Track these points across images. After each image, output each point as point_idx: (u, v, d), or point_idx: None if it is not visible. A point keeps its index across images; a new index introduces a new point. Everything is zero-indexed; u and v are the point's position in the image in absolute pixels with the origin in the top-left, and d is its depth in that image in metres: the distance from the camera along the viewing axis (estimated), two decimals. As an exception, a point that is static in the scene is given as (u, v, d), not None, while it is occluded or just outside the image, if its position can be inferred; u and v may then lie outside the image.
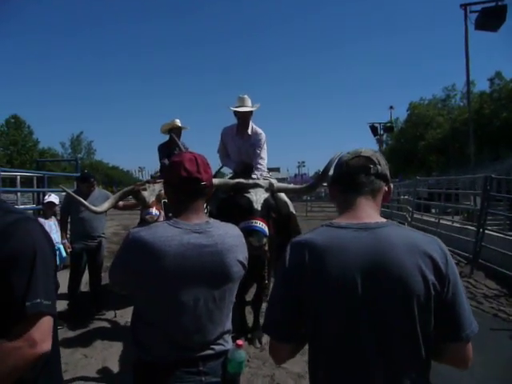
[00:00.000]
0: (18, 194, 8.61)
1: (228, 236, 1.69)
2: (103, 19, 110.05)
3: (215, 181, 4.14)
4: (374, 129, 29.52)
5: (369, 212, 1.39)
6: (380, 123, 30.05)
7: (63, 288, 5.30)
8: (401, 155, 44.67)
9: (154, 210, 4.79)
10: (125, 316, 5.33)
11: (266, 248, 3.52)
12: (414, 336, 1.26)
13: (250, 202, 3.64)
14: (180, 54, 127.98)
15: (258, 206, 3.62)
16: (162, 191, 5.01)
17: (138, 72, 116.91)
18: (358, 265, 1.27)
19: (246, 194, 3.71)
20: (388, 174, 1.48)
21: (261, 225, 3.51)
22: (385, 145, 48.94)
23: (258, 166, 5.15)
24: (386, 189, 1.48)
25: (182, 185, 1.67)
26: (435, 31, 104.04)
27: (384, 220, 1.38)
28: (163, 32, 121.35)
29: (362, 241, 1.30)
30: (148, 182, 5.09)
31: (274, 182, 4.29)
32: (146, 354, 1.60)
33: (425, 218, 12.60)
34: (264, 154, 5.23)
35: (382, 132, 31.20)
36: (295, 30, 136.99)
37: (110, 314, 5.42)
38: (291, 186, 4.51)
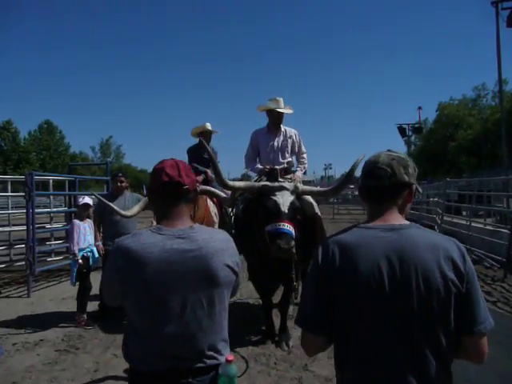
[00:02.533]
0: (51, 197, 8.91)
1: (213, 240, 1.66)
2: (136, 32, 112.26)
3: (242, 184, 4.20)
4: (401, 130, 29.05)
5: (394, 216, 1.51)
6: (408, 124, 29.54)
7: (95, 289, 5.46)
8: (430, 157, 43.71)
9: None
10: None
11: (294, 251, 3.53)
12: (434, 329, 1.36)
13: (277, 205, 3.67)
14: (214, 64, 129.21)
15: (285, 208, 3.66)
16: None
17: (167, 81, 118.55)
18: (385, 261, 1.39)
19: (273, 197, 3.74)
20: (407, 179, 1.54)
21: (288, 227, 3.54)
22: (413, 146, 48.11)
23: (301, 160, 5.36)
24: (407, 191, 1.55)
25: (164, 189, 1.68)
26: (465, 29, 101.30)
27: (408, 222, 1.52)
28: (199, 43, 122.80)
29: (387, 240, 1.42)
30: None
31: (299, 184, 4.31)
32: (136, 364, 1.61)
33: (455, 220, 12.31)
34: (303, 148, 5.37)
35: (410, 133, 30.64)
36: (326, 40, 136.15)
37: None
38: (316, 188, 4.51)
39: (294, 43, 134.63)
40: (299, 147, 5.36)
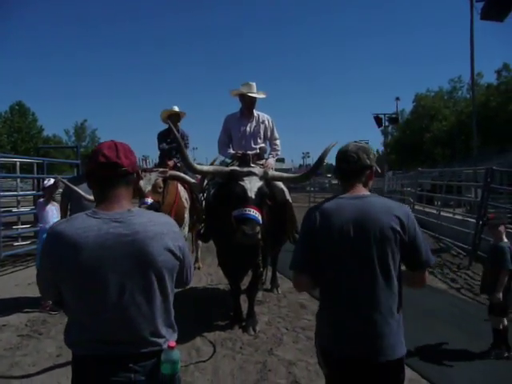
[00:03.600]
0: (18, 180, 8.64)
1: (152, 224, 1.63)
2: (111, 15, 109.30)
3: (210, 168, 4.15)
4: (378, 120, 29.27)
5: (359, 189, 2.06)
6: (385, 114, 29.78)
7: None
8: (406, 147, 44.43)
9: (149, 200, 4.79)
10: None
11: (260, 236, 3.52)
12: (387, 265, 1.88)
13: (244, 190, 3.65)
14: (189, 47, 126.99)
15: (251, 194, 3.63)
16: (159, 180, 5.01)
17: (142, 63, 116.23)
18: (351, 220, 1.92)
19: (241, 182, 3.71)
20: (369, 162, 2.09)
21: (254, 213, 3.53)
22: (390, 136, 48.67)
23: (274, 146, 5.32)
24: (369, 172, 2.11)
25: (101, 171, 1.63)
26: (442, 22, 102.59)
27: (369, 193, 2.08)
28: (166, 24, 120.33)
29: (355, 204, 1.96)
30: (144, 170, 5.08)
31: (269, 170, 4.30)
32: (77, 350, 1.58)
33: (426, 209, 12.57)
34: (277, 134, 5.34)
35: (386, 123, 30.96)
36: (300, 26, 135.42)
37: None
38: (286, 174, 4.49)
39: (271, 28, 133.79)
40: (272, 133, 5.33)
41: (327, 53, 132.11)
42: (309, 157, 76.37)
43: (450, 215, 10.64)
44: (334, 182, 45.06)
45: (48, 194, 5.26)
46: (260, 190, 3.71)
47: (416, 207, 12.37)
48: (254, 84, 5.05)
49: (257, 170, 3.92)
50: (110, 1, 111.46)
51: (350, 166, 2.06)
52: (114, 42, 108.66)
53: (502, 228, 4.10)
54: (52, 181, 5.30)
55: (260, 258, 3.97)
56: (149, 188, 4.88)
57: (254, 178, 3.77)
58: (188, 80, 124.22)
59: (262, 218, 3.65)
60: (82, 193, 4.68)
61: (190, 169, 4.03)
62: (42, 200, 5.23)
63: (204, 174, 4.22)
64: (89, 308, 1.54)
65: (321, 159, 3.84)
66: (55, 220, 5.17)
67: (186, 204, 6.04)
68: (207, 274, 6.96)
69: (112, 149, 1.65)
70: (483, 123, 29.27)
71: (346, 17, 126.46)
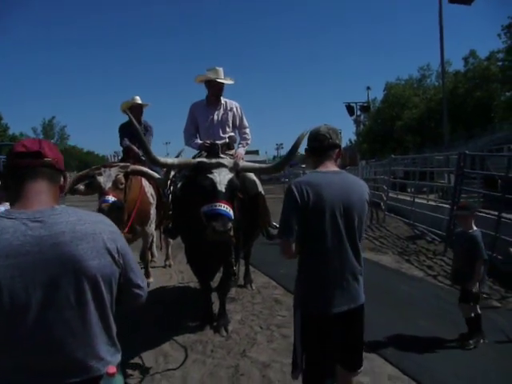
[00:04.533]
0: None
1: (81, 223, 1.37)
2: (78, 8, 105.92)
3: (175, 160, 3.86)
4: (350, 109, 29.34)
5: (331, 165, 2.38)
6: (356, 103, 29.88)
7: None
8: (378, 135, 44.91)
9: (110, 197, 4.45)
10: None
11: (232, 233, 3.23)
12: (360, 231, 2.32)
13: (213, 184, 3.34)
14: (156, 38, 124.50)
15: (221, 187, 3.33)
16: (120, 176, 4.66)
17: (112, 58, 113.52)
18: (340, 192, 2.23)
19: (209, 175, 3.40)
20: (338, 142, 2.42)
21: (225, 208, 3.22)
22: (362, 126, 49.07)
23: (243, 136, 5.02)
24: (338, 150, 2.43)
25: (19, 159, 1.39)
26: (411, 9, 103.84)
27: (339, 169, 2.42)
28: (136, 16, 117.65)
29: (337, 178, 2.29)
30: (104, 166, 4.73)
31: (240, 161, 4.01)
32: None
33: (400, 197, 12.57)
34: (245, 122, 5.06)
35: (358, 112, 31.08)
36: (273, 17, 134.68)
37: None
38: (258, 165, 4.21)
39: (244, 19, 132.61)
40: (241, 121, 5.04)
41: (299, 44, 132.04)
42: (282, 148, 76.32)
43: (424, 201, 10.62)
44: (308, 171, 45.33)
45: None
46: (230, 182, 3.40)
47: (390, 195, 12.35)
48: (220, 69, 4.74)
49: (226, 161, 3.60)
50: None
51: (323, 144, 2.36)
52: (83, 38, 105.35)
53: (470, 217, 3.94)
54: None
55: (232, 256, 3.67)
56: (109, 185, 4.54)
57: (224, 169, 3.46)
58: (161, 73, 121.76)
59: (234, 213, 3.38)
60: None
61: (152, 162, 3.72)
62: None
63: (169, 167, 3.91)
64: (4, 329, 1.26)
65: (294, 148, 3.58)
66: None
67: (152, 200, 5.72)
68: (178, 271, 6.65)
69: (35, 141, 1.44)
70: (452, 110, 29.77)
71: (317, 7, 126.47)
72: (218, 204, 3.22)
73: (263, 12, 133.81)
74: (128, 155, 6.20)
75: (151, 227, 5.70)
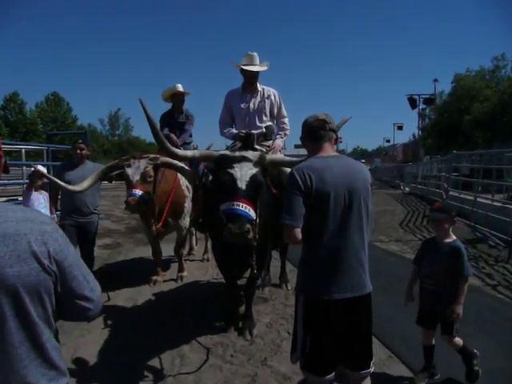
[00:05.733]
0: (24, 167, 8.42)
1: (2, 220, 1.14)
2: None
3: (196, 153, 3.60)
4: (412, 101, 27.80)
5: (331, 149, 2.39)
6: (419, 95, 28.23)
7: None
8: (444, 130, 42.33)
9: (136, 191, 4.33)
10: (115, 300, 4.97)
11: (251, 235, 2.88)
12: (366, 214, 2.29)
13: (232, 180, 3.02)
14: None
15: (242, 184, 2.99)
16: (149, 168, 4.52)
17: (172, 52, 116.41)
18: (342, 175, 2.23)
19: (230, 170, 3.08)
20: (335, 128, 2.45)
21: (244, 207, 2.88)
22: (428, 120, 46.55)
23: (281, 126, 4.74)
24: (335, 136, 2.44)
25: None
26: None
27: (338, 153, 2.45)
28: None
29: (338, 162, 2.30)
30: (134, 156, 4.61)
31: (267, 154, 3.66)
32: None
33: (462, 196, 11.60)
34: (284, 111, 4.77)
35: (421, 105, 29.34)
36: (340, 13, 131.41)
37: (106, 297, 5.05)
38: (288, 158, 3.83)
39: (310, 15, 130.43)
40: (279, 109, 4.73)
41: (367, 39, 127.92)
42: (341, 142, 74.37)
43: (489, 202, 9.67)
44: (368, 167, 43.92)
45: (30, 183, 4.87)
46: (253, 178, 3.06)
47: (450, 193, 11.45)
48: (254, 54, 4.48)
49: (251, 154, 3.25)
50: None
51: (324, 129, 2.37)
52: (142, 31, 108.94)
53: (448, 223, 3.10)
54: (39, 166, 4.91)
55: (254, 259, 3.35)
56: (137, 177, 4.42)
57: (247, 164, 3.12)
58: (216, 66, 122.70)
59: (258, 213, 3.05)
60: (63, 184, 4.27)
61: (169, 153, 3.50)
62: (25, 189, 4.85)
63: (188, 159, 3.68)
64: None
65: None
66: (43, 209, 4.80)
67: (188, 192, 5.57)
68: (215, 266, 6.41)
69: None
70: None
71: (380, 3, 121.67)
72: (236, 203, 2.88)
73: (332, 8, 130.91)
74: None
75: (185, 220, 5.55)
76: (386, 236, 9.07)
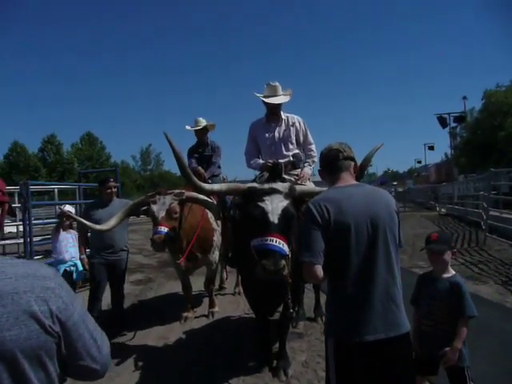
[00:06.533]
0: (56, 207, 8.58)
1: (1, 277, 1.05)
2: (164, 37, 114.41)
3: (223, 186, 3.51)
4: (442, 120, 27.13)
5: (351, 178, 2.29)
6: (449, 114, 27.61)
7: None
8: (477, 148, 41.16)
9: (162, 228, 4.27)
10: (146, 339, 4.85)
11: (286, 271, 2.71)
12: (395, 246, 2.14)
13: (264, 213, 2.88)
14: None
15: (274, 218, 2.85)
16: (174, 204, 4.47)
17: (203, 86, 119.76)
18: (363, 205, 2.10)
19: (260, 203, 2.95)
20: (352, 156, 2.34)
21: (278, 243, 2.73)
22: (459, 138, 45.50)
23: (309, 153, 4.62)
24: (354, 164, 2.34)
25: None
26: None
27: (357, 182, 2.35)
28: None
29: (358, 191, 2.19)
30: (159, 193, 4.57)
31: (297, 185, 3.49)
32: None
33: (505, 215, 11.04)
34: (310, 138, 4.66)
35: (451, 123, 28.63)
36: (371, 31, 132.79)
37: (138, 335, 4.94)
38: (318, 188, 3.64)
39: (325, 36, 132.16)
40: (305, 136, 4.62)
41: (392, 61, 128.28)
42: (371, 165, 73.51)
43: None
44: (400, 189, 43.05)
45: (58, 223, 4.90)
46: (285, 211, 2.91)
47: (492, 213, 10.91)
48: (276, 84, 4.43)
49: (280, 185, 3.13)
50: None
51: (338, 158, 2.28)
52: (166, 67, 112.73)
53: (447, 255, 2.75)
54: (67, 206, 4.95)
55: (289, 297, 3.15)
56: (162, 214, 4.37)
57: (278, 196, 3.00)
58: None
59: (291, 247, 2.88)
60: (89, 223, 4.28)
61: (195, 188, 3.43)
62: (54, 229, 4.88)
63: (215, 193, 3.59)
64: None
65: (365, 164, 3.10)
66: (71, 249, 4.81)
67: (216, 225, 5.47)
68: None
69: None
70: None
71: (406, 22, 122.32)
72: (269, 238, 2.73)
73: (354, 30, 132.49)
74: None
75: (214, 254, 5.44)
76: (425, 261, 8.60)
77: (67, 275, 4.75)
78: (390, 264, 2.09)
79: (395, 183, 69.06)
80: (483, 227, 10.45)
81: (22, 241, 6.51)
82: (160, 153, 66.75)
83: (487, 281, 6.81)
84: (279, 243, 2.73)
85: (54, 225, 7.18)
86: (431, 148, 39.79)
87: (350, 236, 2.04)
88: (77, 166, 50.23)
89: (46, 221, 8.69)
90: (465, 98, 36.83)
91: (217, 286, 6.89)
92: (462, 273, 7.31)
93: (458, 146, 41.76)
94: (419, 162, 55.95)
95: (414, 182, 54.40)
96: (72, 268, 4.79)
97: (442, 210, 20.39)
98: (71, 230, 5.00)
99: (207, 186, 3.44)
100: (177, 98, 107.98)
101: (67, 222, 4.92)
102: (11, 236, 8.50)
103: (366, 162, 3.13)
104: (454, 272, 2.80)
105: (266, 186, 3.13)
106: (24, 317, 1.05)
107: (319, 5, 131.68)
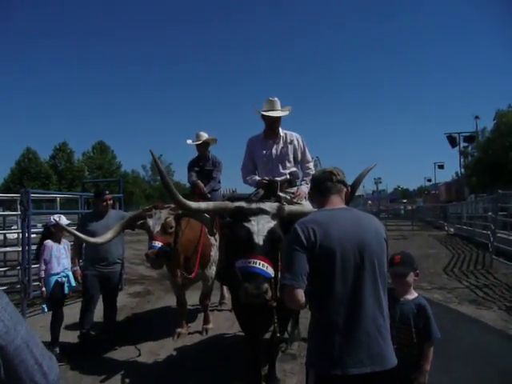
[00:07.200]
0: (51, 216, 8.57)
1: None
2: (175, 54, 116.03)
3: (210, 205, 3.39)
4: (452, 139, 27.01)
5: (339, 203, 2.23)
6: (459, 133, 27.42)
7: (75, 318, 4.91)
8: (488, 168, 40.74)
9: (157, 243, 4.24)
10: (136, 353, 4.77)
11: (269, 295, 2.64)
12: (383, 273, 2.07)
13: (249, 235, 2.82)
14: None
15: (259, 239, 2.79)
16: (170, 219, 4.43)
17: (215, 99, 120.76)
18: (351, 229, 2.04)
19: (246, 224, 2.89)
20: (345, 181, 2.32)
21: (261, 265, 2.66)
22: (470, 157, 45.10)
23: (307, 171, 4.54)
24: (345, 189, 2.32)
25: None
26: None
27: (346, 206, 2.28)
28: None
29: (346, 215, 2.14)
30: (156, 207, 4.55)
31: (285, 205, 3.37)
32: None
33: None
34: (308, 155, 4.60)
35: (461, 143, 28.43)
36: (379, 54, 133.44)
37: (128, 350, 4.86)
38: (309, 208, 3.52)
39: (338, 57, 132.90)
40: (303, 154, 4.56)
41: (400, 83, 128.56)
42: (381, 182, 72.78)
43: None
44: (409, 207, 42.68)
45: (57, 233, 4.85)
46: (271, 232, 2.84)
47: (499, 235, 10.71)
48: (275, 99, 4.40)
49: (268, 205, 3.05)
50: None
51: (331, 181, 2.25)
52: (182, 81, 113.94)
53: (410, 277, 2.69)
54: (63, 218, 4.90)
55: (276, 320, 3.08)
56: (157, 228, 4.34)
57: (265, 217, 2.92)
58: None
59: (277, 270, 2.80)
60: (84, 236, 4.25)
61: (179, 206, 3.38)
62: (48, 241, 4.82)
63: (202, 212, 3.51)
64: None
65: (356, 184, 3.02)
66: (64, 260, 4.76)
67: (214, 240, 5.41)
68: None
69: None
70: None
71: (422, 46, 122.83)
72: (252, 260, 2.67)
73: (367, 48, 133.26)
74: (194, 192, 6.05)
75: (211, 270, 5.37)
76: (429, 283, 8.46)
77: (58, 286, 4.67)
78: (377, 293, 2.00)
79: (405, 201, 68.39)
80: (490, 249, 10.25)
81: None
82: (170, 163, 67.02)
83: (491, 306, 6.62)
84: (263, 266, 2.67)
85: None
86: (441, 167, 39.60)
87: (335, 261, 1.96)
88: (87, 174, 50.68)
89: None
90: (477, 117, 36.68)
91: (217, 301, 6.82)
92: (465, 296, 7.17)
93: (468, 165, 41.31)
94: (429, 181, 55.73)
95: (423, 201, 53.95)
96: (64, 279, 4.71)
97: (451, 229, 20.13)
98: (64, 240, 4.95)
99: (193, 205, 3.36)
100: (187, 111, 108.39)
101: (59, 235, 4.85)
102: (13, 243, 8.50)
103: (357, 183, 3.06)
104: (416, 294, 2.73)
105: (254, 205, 3.05)
106: None
107: (329, 25, 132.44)
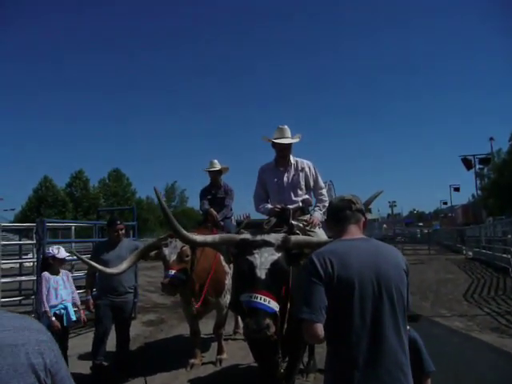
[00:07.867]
0: (73, 244, 8.67)
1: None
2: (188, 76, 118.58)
3: (216, 238, 3.34)
4: (467, 162, 26.71)
5: (358, 232, 2.17)
6: (474, 155, 27.17)
7: (88, 348, 4.86)
8: (505, 189, 40.14)
9: (171, 272, 4.23)
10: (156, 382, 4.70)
11: (272, 331, 2.59)
12: (403, 308, 1.98)
13: (251, 268, 2.77)
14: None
15: (261, 273, 2.73)
16: (186, 247, 4.43)
17: (230, 124, 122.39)
18: (370, 261, 1.98)
19: (249, 257, 2.84)
20: (363, 209, 2.25)
21: (263, 300, 2.60)
22: (486, 179, 44.57)
23: (319, 197, 4.52)
24: (364, 219, 2.24)
25: None
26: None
27: (365, 236, 2.20)
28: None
29: (365, 245, 2.08)
30: (171, 236, 4.54)
31: (292, 236, 3.27)
32: None
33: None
34: (321, 182, 4.58)
35: (476, 165, 28.12)
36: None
37: (141, 381, 4.78)
38: (316, 238, 3.43)
39: (353, 77, 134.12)
40: (315, 181, 4.53)
41: (415, 104, 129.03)
42: (395, 206, 72.18)
43: None
44: (426, 231, 41.98)
45: (57, 265, 4.80)
46: (275, 265, 2.78)
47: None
48: (285, 127, 4.42)
49: (273, 237, 2.99)
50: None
51: (350, 209, 2.18)
52: (194, 106, 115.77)
53: None
54: (62, 251, 4.84)
55: (279, 356, 2.99)
56: (173, 257, 4.35)
57: (268, 249, 2.87)
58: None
59: (282, 303, 2.76)
60: (100, 267, 4.24)
61: (183, 240, 3.39)
62: (45, 273, 4.72)
63: (209, 246, 3.50)
64: None
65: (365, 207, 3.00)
66: (62, 292, 4.68)
67: (229, 268, 5.37)
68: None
69: None
70: None
71: (433, 69, 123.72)
72: (254, 295, 2.62)
73: (381, 71, 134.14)
74: (207, 219, 6.05)
75: (226, 298, 5.31)
76: (448, 310, 8.24)
77: (57, 319, 4.56)
78: (397, 328, 1.93)
79: (421, 224, 67.39)
80: (511, 274, 9.98)
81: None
82: (184, 189, 68.05)
83: (514, 334, 6.39)
84: (264, 300, 2.61)
85: (69, 262, 7.22)
86: (457, 189, 39.17)
87: (353, 294, 1.90)
88: (102, 202, 51.35)
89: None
90: (492, 138, 36.29)
91: (231, 330, 6.72)
92: (486, 323, 6.95)
93: (485, 187, 40.81)
94: (445, 203, 55.12)
95: (440, 224, 53.18)
96: (62, 311, 4.62)
97: (469, 253, 19.72)
98: (63, 271, 4.91)
99: (199, 239, 3.33)
100: (202, 138, 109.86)
101: (58, 267, 4.82)
102: (28, 271, 8.58)
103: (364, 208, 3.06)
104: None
105: (259, 237, 2.99)
106: (23, 369, 1.06)
107: (341, 48, 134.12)
